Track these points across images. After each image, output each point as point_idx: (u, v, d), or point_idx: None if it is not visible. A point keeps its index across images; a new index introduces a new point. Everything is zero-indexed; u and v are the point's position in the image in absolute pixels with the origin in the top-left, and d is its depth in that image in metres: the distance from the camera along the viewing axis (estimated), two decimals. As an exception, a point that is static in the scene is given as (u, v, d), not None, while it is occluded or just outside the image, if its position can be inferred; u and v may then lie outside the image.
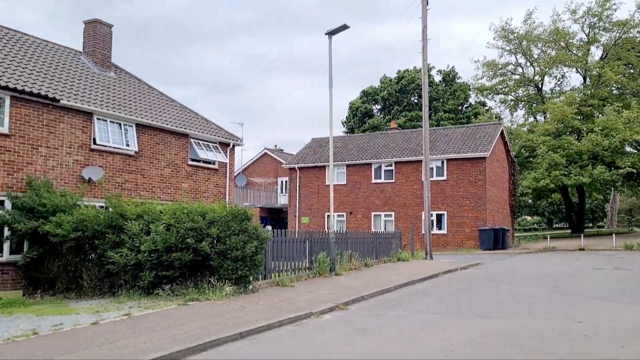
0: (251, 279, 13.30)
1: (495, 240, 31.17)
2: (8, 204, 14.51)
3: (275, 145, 52.92)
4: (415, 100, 59.11)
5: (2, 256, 14.46)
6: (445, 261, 23.67)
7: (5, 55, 16.52)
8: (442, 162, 34.17)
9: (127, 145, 18.17)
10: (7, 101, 14.79)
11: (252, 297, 12.42)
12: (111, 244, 13.27)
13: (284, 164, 42.03)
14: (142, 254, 12.49)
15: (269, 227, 15.57)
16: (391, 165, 36.02)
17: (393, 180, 35.86)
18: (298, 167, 39.26)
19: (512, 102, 52.70)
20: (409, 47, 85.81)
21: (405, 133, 40.17)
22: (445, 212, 33.78)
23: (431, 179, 31.62)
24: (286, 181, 44.36)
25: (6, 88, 14.52)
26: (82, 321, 9.76)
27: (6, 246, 14.56)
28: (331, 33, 17.26)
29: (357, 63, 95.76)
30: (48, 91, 15.86)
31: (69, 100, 16.22)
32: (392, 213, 35.61)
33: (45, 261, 14.40)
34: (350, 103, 62.66)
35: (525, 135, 43.40)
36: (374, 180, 36.53)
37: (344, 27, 16.97)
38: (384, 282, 15.74)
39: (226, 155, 22.38)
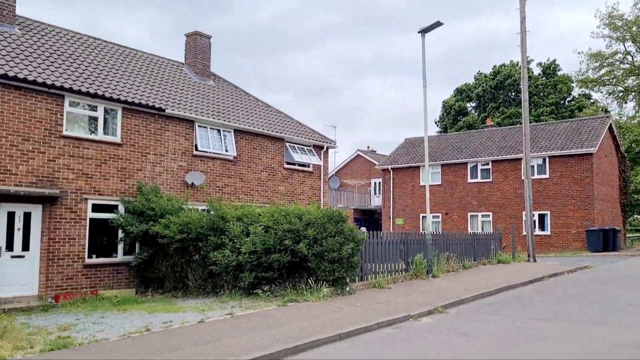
0: (348, 280, 13.33)
1: (605, 241, 29.12)
2: (121, 208, 15.59)
3: (368, 147, 52.80)
4: (513, 96, 56.68)
5: (116, 257, 15.56)
6: (549, 264, 22.47)
7: (117, 69, 17.77)
8: (544, 159, 32.49)
9: (226, 150, 18.89)
10: (119, 113, 15.90)
11: (349, 299, 12.45)
12: (213, 246, 13.84)
13: (377, 165, 41.85)
14: (242, 255, 12.91)
15: (364, 229, 15.54)
16: (488, 164, 34.78)
17: (490, 180, 34.61)
18: (391, 168, 38.94)
19: (621, 94, 49.07)
20: (505, 41, 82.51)
21: (502, 130, 38.64)
22: (548, 212, 32.08)
23: (532, 177, 30.14)
24: (379, 182, 44.13)
25: (118, 100, 15.61)
26: (189, 319, 10.24)
27: (120, 247, 15.65)
28: (424, 31, 16.95)
29: (450, 61, 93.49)
30: (155, 102, 16.87)
31: (173, 110, 17.15)
32: (490, 213, 34.37)
33: (154, 262, 15.30)
34: (443, 102, 61.24)
35: (636, 128, 40.32)
36: (470, 180, 35.46)
37: (438, 24, 16.60)
38: (484, 285, 15.20)
39: (320, 158, 22.64)
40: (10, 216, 13.59)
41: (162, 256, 15.12)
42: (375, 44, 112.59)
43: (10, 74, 13.48)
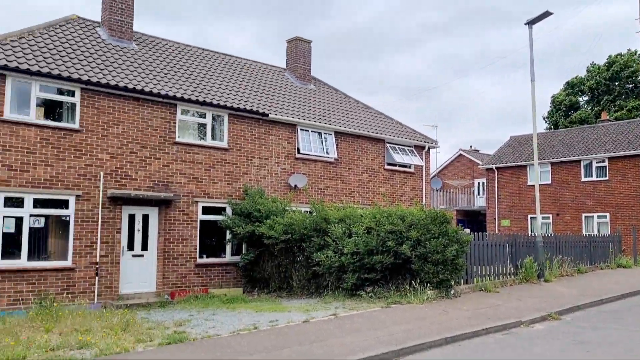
0: (452, 283, 13.00)
1: None
2: (229, 210, 16.27)
3: (471, 146, 51.23)
4: (631, 88, 52.46)
5: (225, 257, 16.26)
6: (678, 269, 20.53)
7: (223, 77, 18.60)
8: (669, 155, 29.73)
9: (327, 153, 19.13)
10: (226, 119, 16.63)
11: (454, 302, 12.13)
12: (316, 247, 14.06)
13: (481, 164, 40.47)
14: (345, 256, 13.00)
15: (468, 230, 15.11)
16: (604, 161, 32.41)
17: (607, 178, 32.22)
18: (496, 168, 37.46)
19: None
20: (620, 29, 76.21)
21: (620, 124, 35.85)
22: (675, 213, 29.30)
23: (655, 175, 27.69)
24: (483, 182, 42.62)
25: (225, 107, 16.34)
26: (294, 319, 10.46)
27: (228, 248, 16.34)
28: (531, 22, 16.15)
29: (558, 53, 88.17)
30: (259, 107, 17.46)
31: (276, 114, 17.66)
32: (607, 214, 32.00)
33: (260, 262, 15.81)
34: (552, 97, 57.96)
35: None
36: (583, 179, 33.24)
37: (546, 14, 15.73)
38: (602, 291, 14.18)
39: (421, 158, 22.28)
40: (131, 218, 14.64)
41: (268, 257, 15.58)
42: (477, 40, 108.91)
43: (130, 86, 14.54)
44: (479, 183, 45.37)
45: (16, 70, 12.80)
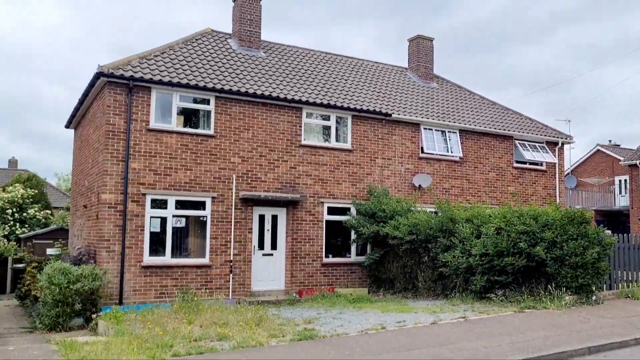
0: (594, 288, 12.09)
1: None
2: (353, 211, 16.46)
3: (610, 141, 47.20)
4: None
5: (350, 257, 16.46)
6: None
7: (346, 80, 18.86)
8: None
9: (451, 151, 18.64)
10: (349, 120, 16.84)
11: (595, 309, 11.28)
12: (442, 247, 13.78)
13: (622, 160, 37.19)
14: (472, 258, 12.61)
15: (609, 232, 13.96)
16: None
17: None
18: (640, 164, 34.22)
19: None
20: None
21: None
22: None
23: None
24: (626, 180, 39.10)
25: (348, 109, 16.56)
26: (421, 320, 10.34)
27: (353, 248, 16.52)
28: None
29: None
30: (381, 107, 17.48)
31: (399, 114, 17.56)
32: None
33: (384, 262, 15.81)
34: None
35: None
36: None
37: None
38: None
39: (554, 155, 20.96)
40: (261, 218, 15.34)
41: (392, 257, 15.54)
42: (615, 26, 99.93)
43: (258, 92, 15.25)
44: (620, 180, 41.72)
45: (159, 82, 13.97)
